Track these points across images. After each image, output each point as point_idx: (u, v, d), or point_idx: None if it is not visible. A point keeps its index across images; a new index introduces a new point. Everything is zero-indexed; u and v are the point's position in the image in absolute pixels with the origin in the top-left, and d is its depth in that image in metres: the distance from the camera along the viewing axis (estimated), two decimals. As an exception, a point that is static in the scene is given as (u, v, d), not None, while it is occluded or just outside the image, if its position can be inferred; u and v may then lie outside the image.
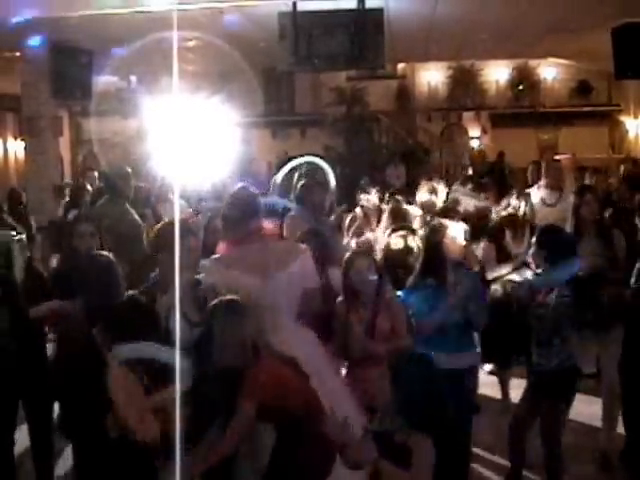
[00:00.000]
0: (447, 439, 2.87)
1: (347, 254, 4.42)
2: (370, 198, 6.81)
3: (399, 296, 4.03)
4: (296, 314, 3.87)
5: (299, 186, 5.96)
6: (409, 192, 7.04)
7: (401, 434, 2.79)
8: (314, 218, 5.71)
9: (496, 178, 9.02)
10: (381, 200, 6.81)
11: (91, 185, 8.60)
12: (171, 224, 3.79)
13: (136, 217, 6.22)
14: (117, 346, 3.22)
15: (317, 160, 6.77)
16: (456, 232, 4.49)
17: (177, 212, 4.67)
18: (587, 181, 7.92)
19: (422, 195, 6.52)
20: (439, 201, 6.50)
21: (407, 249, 4.87)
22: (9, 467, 4.23)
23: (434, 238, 4.43)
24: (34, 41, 9.11)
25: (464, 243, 4.51)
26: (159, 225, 4.03)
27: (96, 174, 8.97)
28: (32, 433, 4.48)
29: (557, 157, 13.67)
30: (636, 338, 4.56)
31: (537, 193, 6.89)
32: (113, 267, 3.82)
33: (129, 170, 6.35)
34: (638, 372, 4.54)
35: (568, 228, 5.24)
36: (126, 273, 4.15)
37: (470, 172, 9.30)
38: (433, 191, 6.53)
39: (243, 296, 3.48)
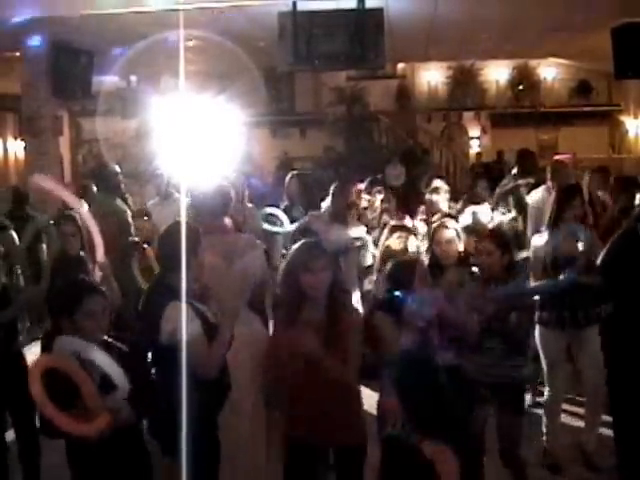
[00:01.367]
0: (458, 438, 2.88)
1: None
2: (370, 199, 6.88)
3: (398, 295, 4.02)
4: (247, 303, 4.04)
5: (332, 187, 6.29)
6: (408, 191, 7.08)
7: (414, 438, 2.77)
8: (336, 220, 5.87)
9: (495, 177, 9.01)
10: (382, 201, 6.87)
11: None
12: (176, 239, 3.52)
13: (125, 209, 6.40)
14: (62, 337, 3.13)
15: None
16: (452, 234, 4.49)
17: (183, 213, 4.66)
18: (584, 180, 7.88)
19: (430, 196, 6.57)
20: (443, 200, 6.53)
21: (405, 249, 4.89)
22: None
23: (431, 240, 4.49)
24: (34, 41, 9.11)
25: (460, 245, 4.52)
26: (167, 239, 3.66)
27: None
28: (18, 432, 4.51)
29: (557, 157, 13.72)
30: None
31: (543, 195, 6.79)
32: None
33: (116, 168, 6.55)
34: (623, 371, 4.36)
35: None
36: (111, 259, 4.57)
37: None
38: (435, 190, 6.56)
39: (210, 277, 3.67)
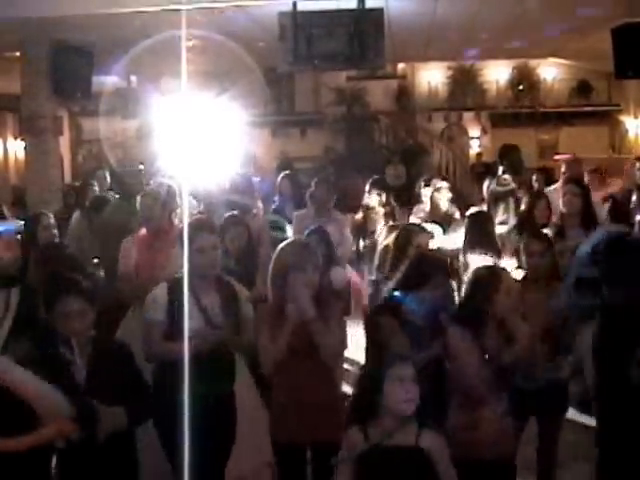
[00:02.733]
0: None
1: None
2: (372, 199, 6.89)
3: (396, 296, 4.00)
4: None
5: (312, 183, 6.39)
6: (408, 192, 7.08)
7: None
8: (320, 216, 5.90)
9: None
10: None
11: (100, 185, 8.48)
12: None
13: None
14: None
15: None
16: (424, 238, 4.40)
17: (186, 211, 4.70)
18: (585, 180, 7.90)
19: (427, 192, 6.57)
20: (444, 199, 6.54)
21: None
22: None
23: (400, 244, 4.39)
24: (34, 41, 9.11)
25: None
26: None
27: (107, 173, 8.87)
28: None
29: (557, 157, 13.72)
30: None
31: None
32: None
33: (141, 168, 6.46)
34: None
35: None
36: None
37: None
38: (437, 189, 6.57)
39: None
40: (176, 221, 5.08)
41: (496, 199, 6.46)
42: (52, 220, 5.35)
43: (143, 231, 5.16)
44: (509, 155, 7.77)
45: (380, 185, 7.15)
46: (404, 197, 7.15)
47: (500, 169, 7.52)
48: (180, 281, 3.47)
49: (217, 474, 3.72)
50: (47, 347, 3.11)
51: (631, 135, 14.38)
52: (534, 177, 8.10)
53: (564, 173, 6.86)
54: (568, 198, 5.34)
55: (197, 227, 3.66)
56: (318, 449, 3.55)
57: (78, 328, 3.10)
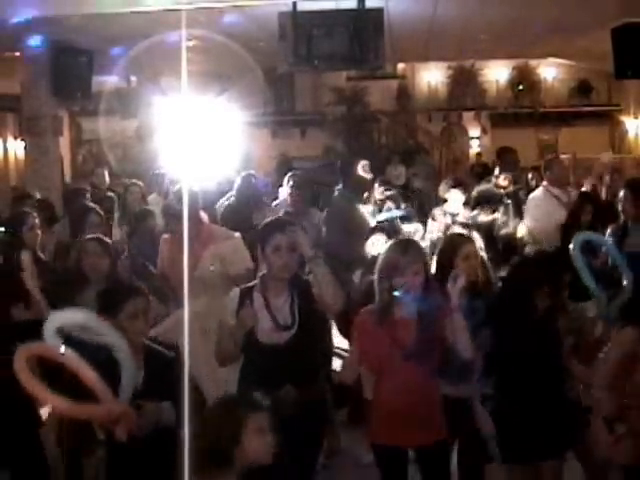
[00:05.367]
0: None
1: None
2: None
3: (397, 296, 3.94)
4: None
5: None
6: (408, 191, 7.09)
7: None
8: None
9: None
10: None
11: (100, 183, 8.41)
12: None
13: None
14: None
15: None
16: (471, 249, 3.90)
17: (186, 212, 4.70)
18: (586, 185, 7.90)
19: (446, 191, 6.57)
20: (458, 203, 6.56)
21: None
22: None
23: (444, 253, 3.96)
24: (34, 41, 9.10)
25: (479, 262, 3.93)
26: None
27: (106, 172, 8.81)
28: None
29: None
30: None
31: (546, 193, 6.67)
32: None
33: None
34: None
35: None
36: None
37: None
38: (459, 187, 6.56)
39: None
40: (206, 220, 5.02)
41: (495, 202, 6.40)
42: (37, 220, 5.20)
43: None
44: (505, 158, 7.77)
45: (387, 182, 7.20)
46: (404, 196, 7.16)
47: (497, 170, 7.51)
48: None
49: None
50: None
51: (631, 135, 14.38)
52: (529, 175, 8.15)
53: (552, 175, 6.72)
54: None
55: (273, 226, 3.58)
56: (422, 450, 3.48)
57: (143, 329, 3.28)
